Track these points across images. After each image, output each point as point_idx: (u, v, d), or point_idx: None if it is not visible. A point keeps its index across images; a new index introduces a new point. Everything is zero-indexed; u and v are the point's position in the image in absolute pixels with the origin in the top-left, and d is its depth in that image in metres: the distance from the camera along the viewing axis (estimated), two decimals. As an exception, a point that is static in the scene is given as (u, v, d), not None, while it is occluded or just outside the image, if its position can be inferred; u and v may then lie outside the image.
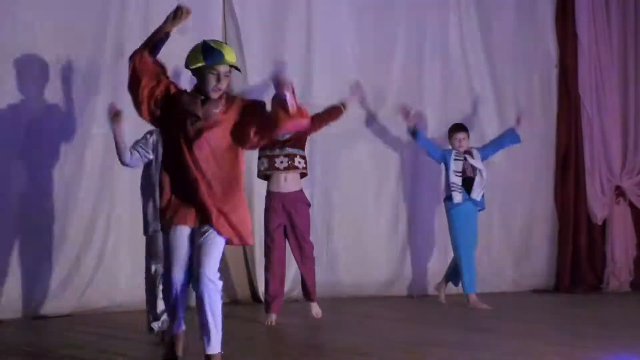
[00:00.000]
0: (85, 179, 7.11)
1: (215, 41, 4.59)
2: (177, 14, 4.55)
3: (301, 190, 6.77)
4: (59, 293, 6.92)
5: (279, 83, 4.42)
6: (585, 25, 9.37)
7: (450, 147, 7.83)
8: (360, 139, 8.42)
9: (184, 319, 4.76)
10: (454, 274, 7.91)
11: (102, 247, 7.17)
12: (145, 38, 4.59)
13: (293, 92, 4.38)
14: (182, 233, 4.52)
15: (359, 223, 8.41)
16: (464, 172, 7.72)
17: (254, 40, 7.93)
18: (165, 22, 4.56)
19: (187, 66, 4.51)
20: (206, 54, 4.43)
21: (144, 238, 6.17)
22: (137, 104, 4.51)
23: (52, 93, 6.98)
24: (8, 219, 6.80)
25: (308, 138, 6.90)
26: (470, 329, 6.59)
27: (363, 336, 6.18)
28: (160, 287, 5.27)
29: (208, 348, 4.48)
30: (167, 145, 4.58)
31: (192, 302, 4.70)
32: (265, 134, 4.51)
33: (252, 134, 4.48)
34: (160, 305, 5.55)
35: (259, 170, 6.76)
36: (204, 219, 4.46)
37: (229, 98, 4.56)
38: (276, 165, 6.63)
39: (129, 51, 4.61)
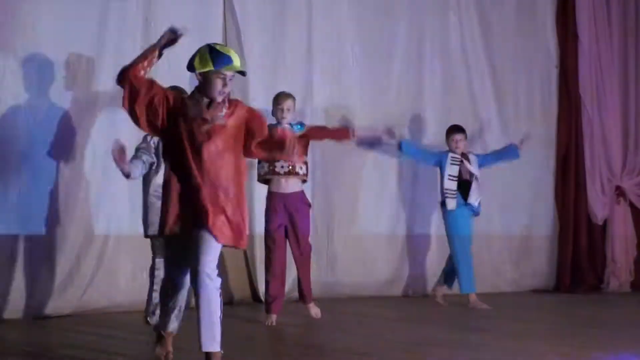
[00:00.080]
0: (85, 179, 7.11)
1: (221, 45, 4.66)
2: (171, 35, 4.56)
3: (302, 191, 6.77)
4: (60, 293, 6.91)
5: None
6: (585, 25, 9.37)
7: (447, 148, 7.83)
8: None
9: (178, 319, 4.83)
10: (448, 276, 7.92)
11: (102, 248, 7.16)
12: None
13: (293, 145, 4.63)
14: (183, 236, 4.56)
15: (359, 223, 8.42)
16: (460, 175, 7.72)
17: (254, 41, 7.93)
18: (158, 42, 4.56)
19: (192, 69, 4.54)
20: (215, 59, 4.47)
21: (143, 238, 6.19)
22: (136, 119, 4.54)
23: (52, 93, 6.97)
24: (9, 219, 6.80)
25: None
26: (470, 329, 6.59)
27: (363, 336, 6.18)
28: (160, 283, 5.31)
29: (206, 345, 4.50)
30: (169, 151, 4.61)
31: (192, 302, 4.71)
32: (263, 154, 4.77)
33: (252, 146, 4.62)
34: (156, 298, 5.60)
35: (259, 175, 6.75)
36: (202, 222, 4.47)
37: (230, 101, 4.62)
38: (277, 170, 6.59)
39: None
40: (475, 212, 7.81)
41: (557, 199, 9.36)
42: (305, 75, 8.14)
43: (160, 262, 5.95)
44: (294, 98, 6.75)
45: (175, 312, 4.85)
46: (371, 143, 7.95)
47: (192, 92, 4.66)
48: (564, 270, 9.23)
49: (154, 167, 5.87)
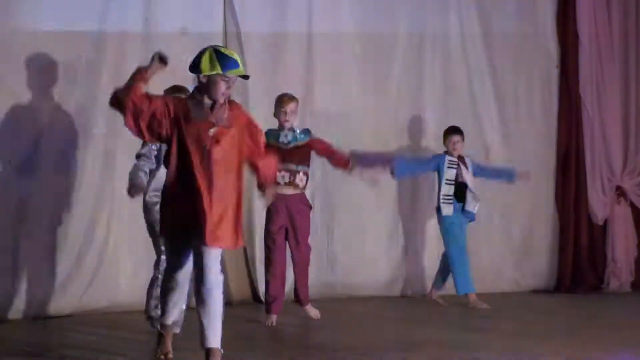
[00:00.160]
0: (86, 179, 7.11)
1: (224, 48, 4.72)
2: (156, 62, 4.55)
3: (303, 193, 6.76)
4: (60, 293, 6.92)
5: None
6: (586, 25, 9.35)
7: (444, 149, 7.83)
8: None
9: (179, 319, 4.85)
10: (442, 277, 7.91)
11: (103, 248, 7.16)
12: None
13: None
14: (184, 238, 4.59)
15: (359, 224, 8.41)
16: (456, 178, 7.71)
17: (254, 41, 7.92)
18: (147, 68, 4.55)
19: (196, 71, 4.55)
20: (223, 62, 4.52)
21: (144, 238, 6.19)
22: (141, 135, 4.58)
23: (52, 93, 6.98)
24: (9, 219, 6.81)
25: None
26: (470, 329, 6.59)
27: (363, 336, 6.18)
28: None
29: (207, 341, 4.52)
30: (173, 155, 4.61)
31: (192, 302, 4.72)
32: (252, 166, 4.82)
33: (245, 153, 4.68)
34: (157, 292, 5.61)
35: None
36: (202, 225, 4.49)
37: (231, 102, 4.68)
38: (277, 179, 6.43)
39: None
40: (470, 219, 7.81)
41: (557, 199, 9.34)
42: (305, 75, 8.13)
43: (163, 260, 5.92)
44: (297, 101, 6.71)
45: (177, 311, 4.85)
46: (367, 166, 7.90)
47: (192, 93, 4.68)
48: (564, 270, 9.20)
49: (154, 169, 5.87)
